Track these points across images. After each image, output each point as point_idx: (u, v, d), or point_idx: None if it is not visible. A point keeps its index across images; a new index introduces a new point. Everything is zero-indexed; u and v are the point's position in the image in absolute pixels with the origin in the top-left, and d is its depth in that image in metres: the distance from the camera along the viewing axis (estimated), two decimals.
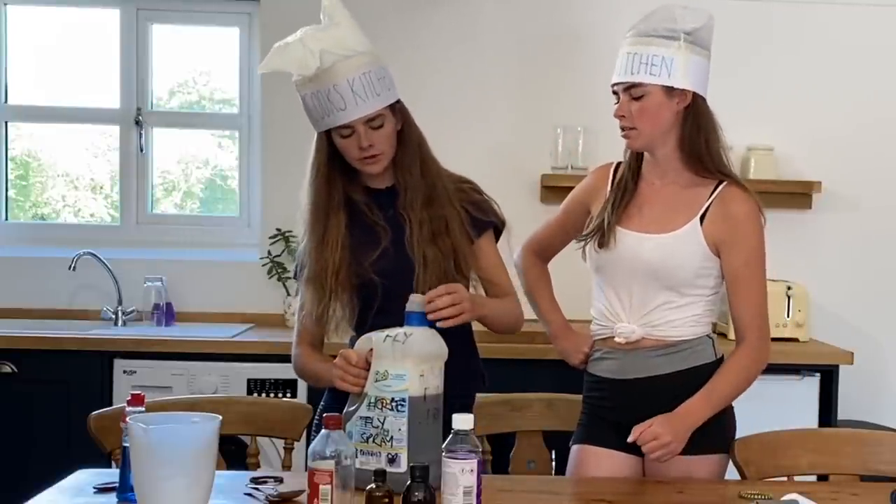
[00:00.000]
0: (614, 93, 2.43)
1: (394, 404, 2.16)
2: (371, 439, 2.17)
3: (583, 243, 2.49)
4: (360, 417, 2.20)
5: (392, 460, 2.14)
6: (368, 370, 2.21)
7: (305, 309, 2.46)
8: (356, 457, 2.11)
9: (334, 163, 2.41)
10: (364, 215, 2.44)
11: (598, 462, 2.47)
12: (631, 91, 2.38)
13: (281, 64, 2.35)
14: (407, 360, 2.16)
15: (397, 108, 2.41)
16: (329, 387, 2.42)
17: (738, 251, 2.38)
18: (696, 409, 2.36)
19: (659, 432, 2.30)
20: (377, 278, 2.38)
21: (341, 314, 2.45)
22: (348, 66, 2.32)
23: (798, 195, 4.27)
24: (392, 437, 2.15)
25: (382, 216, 2.43)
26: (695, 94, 2.38)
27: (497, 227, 2.52)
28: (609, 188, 2.51)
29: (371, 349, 2.22)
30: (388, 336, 2.19)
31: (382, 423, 2.16)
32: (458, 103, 4.28)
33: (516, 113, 4.33)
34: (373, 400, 2.19)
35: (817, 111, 4.33)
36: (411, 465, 1.95)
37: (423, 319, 2.22)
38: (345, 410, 2.23)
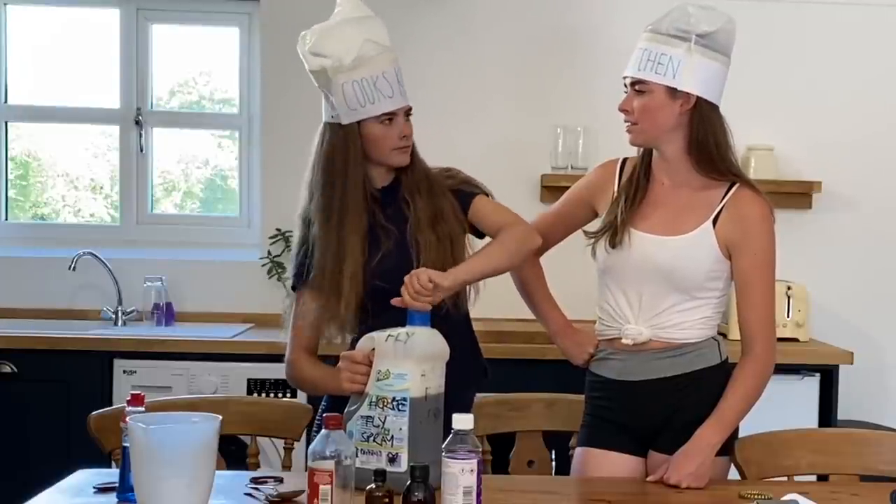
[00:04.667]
0: (625, 85, 2.43)
1: (395, 404, 2.16)
2: (372, 438, 2.17)
3: (593, 241, 2.47)
4: (362, 416, 2.20)
5: (392, 460, 2.14)
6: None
7: (313, 314, 2.44)
8: (356, 456, 2.11)
9: (372, 156, 2.42)
10: (369, 216, 2.43)
11: (602, 464, 2.46)
12: (636, 87, 2.38)
13: (326, 48, 2.35)
14: (408, 360, 2.16)
15: None
16: (321, 394, 2.44)
17: (749, 253, 2.37)
18: (708, 438, 2.34)
19: (678, 479, 2.30)
20: (380, 283, 2.38)
21: (347, 319, 2.43)
22: (390, 57, 2.39)
23: (798, 195, 4.27)
24: (393, 437, 2.15)
25: (383, 216, 2.44)
26: (700, 98, 2.36)
27: (487, 195, 2.54)
28: (616, 185, 2.50)
29: (374, 348, 2.22)
30: (389, 335, 2.19)
31: (383, 423, 2.16)
32: (458, 103, 4.28)
33: (516, 113, 4.33)
34: (374, 399, 2.19)
35: (817, 111, 4.33)
36: (411, 465, 1.95)
37: (425, 319, 2.22)
38: (346, 409, 2.23)
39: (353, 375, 2.24)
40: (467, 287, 2.46)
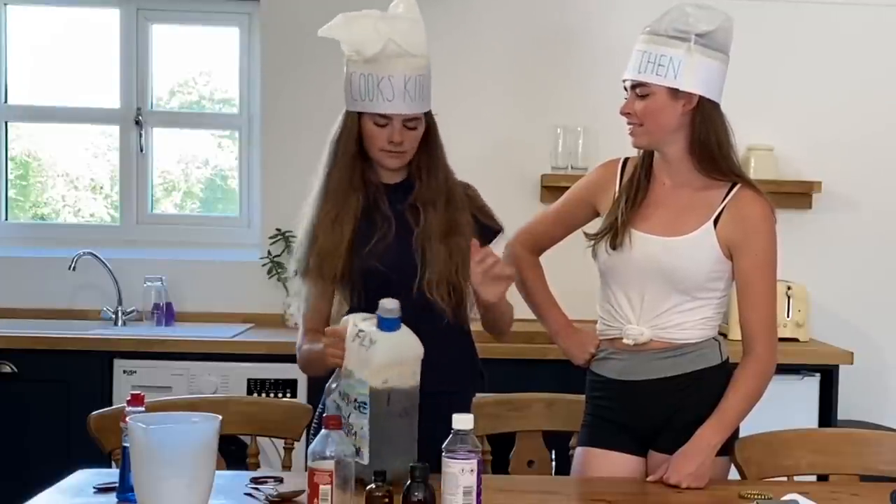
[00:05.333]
0: (625, 88, 2.43)
1: (357, 404, 2.18)
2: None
3: (593, 242, 2.47)
4: (334, 402, 2.23)
5: (356, 451, 2.15)
6: None
7: (310, 296, 2.45)
8: None
9: (360, 145, 2.42)
10: (370, 204, 2.43)
11: (602, 464, 2.46)
12: (637, 89, 2.38)
13: (343, 34, 2.36)
14: (366, 369, 2.16)
15: (428, 115, 2.45)
16: (324, 371, 2.42)
17: (750, 254, 2.37)
18: (709, 438, 2.34)
19: (678, 480, 2.30)
20: (379, 265, 2.38)
21: (344, 302, 2.42)
22: (409, 63, 2.36)
23: (798, 195, 4.27)
24: (355, 433, 2.17)
25: (389, 208, 2.44)
26: (702, 98, 2.36)
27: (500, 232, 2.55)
28: (617, 185, 2.50)
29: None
30: (358, 333, 2.18)
31: (348, 417, 2.19)
32: (458, 103, 4.27)
33: (516, 113, 4.33)
34: (342, 391, 2.21)
35: (817, 111, 4.33)
36: (411, 465, 1.94)
37: (392, 324, 2.19)
38: (328, 384, 2.25)
39: (334, 350, 2.24)
40: (467, 302, 2.46)
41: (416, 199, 2.43)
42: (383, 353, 2.16)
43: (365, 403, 2.16)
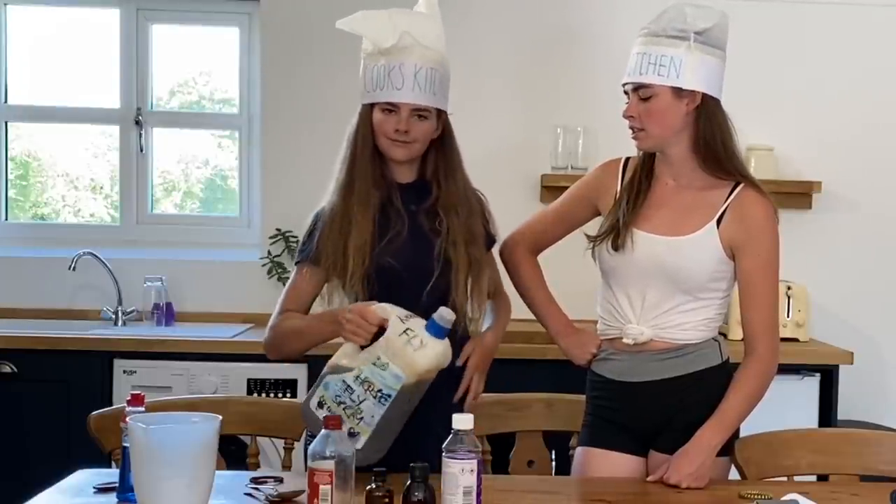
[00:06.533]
0: (625, 92, 2.42)
1: (378, 394, 2.18)
2: (343, 406, 2.19)
3: (593, 244, 2.47)
4: (344, 382, 2.21)
5: (351, 435, 2.16)
6: (378, 332, 2.21)
7: (311, 289, 2.43)
8: (321, 407, 2.18)
9: (375, 140, 2.42)
10: (384, 200, 2.42)
11: (602, 464, 2.46)
12: (639, 92, 2.37)
13: (361, 28, 2.39)
14: (410, 368, 2.17)
15: (443, 117, 2.45)
16: (304, 346, 2.42)
17: (752, 254, 2.37)
18: (709, 439, 2.34)
19: (678, 480, 2.30)
20: (394, 262, 2.36)
21: (352, 295, 2.38)
22: (421, 54, 2.37)
23: (798, 195, 4.27)
24: (362, 418, 2.18)
25: (403, 208, 2.42)
26: (705, 95, 2.36)
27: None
28: (619, 185, 2.50)
29: (387, 319, 2.21)
30: (405, 331, 2.18)
31: (359, 402, 2.19)
32: (458, 103, 4.22)
33: (516, 113, 4.33)
34: (362, 377, 2.19)
35: (817, 111, 4.33)
36: (411, 465, 1.95)
37: (442, 332, 2.21)
38: (332, 360, 2.25)
39: (357, 329, 2.22)
40: (468, 316, 2.46)
41: (438, 204, 2.43)
42: (429, 360, 2.18)
43: (389, 396, 2.17)
